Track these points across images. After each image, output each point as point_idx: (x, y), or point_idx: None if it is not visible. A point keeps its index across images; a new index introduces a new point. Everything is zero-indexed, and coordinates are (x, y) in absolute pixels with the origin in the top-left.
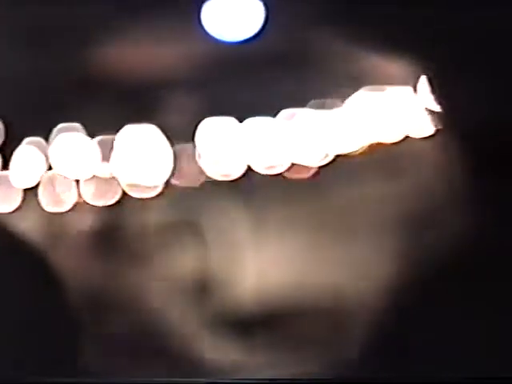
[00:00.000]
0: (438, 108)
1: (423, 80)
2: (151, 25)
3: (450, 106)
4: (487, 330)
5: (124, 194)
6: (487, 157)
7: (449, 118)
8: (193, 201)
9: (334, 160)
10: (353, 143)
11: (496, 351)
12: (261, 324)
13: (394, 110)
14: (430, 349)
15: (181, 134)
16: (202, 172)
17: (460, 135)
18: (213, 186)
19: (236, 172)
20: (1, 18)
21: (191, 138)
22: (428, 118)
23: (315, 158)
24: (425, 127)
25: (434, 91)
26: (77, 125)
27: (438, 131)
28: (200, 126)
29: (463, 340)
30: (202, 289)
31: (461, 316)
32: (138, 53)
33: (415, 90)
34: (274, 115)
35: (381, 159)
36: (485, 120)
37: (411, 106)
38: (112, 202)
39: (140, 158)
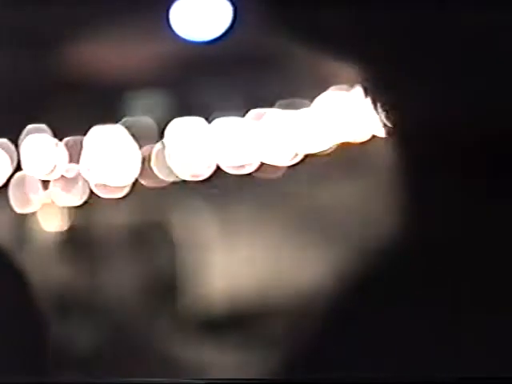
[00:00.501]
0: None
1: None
2: (119, 25)
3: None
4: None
5: (92, 194)
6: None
7: (397, 118)
8: (161, 201)
9: (302, 160)
10: (321, 143)
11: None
12: (230, 324)
13: (361, 110)
14: (405, 348)
15: (149, 135)
16: (171, 172)
17: (409, 136)
18: (182, 186)
19: (205, 172)
20: None
21: (160, 138)
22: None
23: (284, 157)
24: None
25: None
26: (44, 126)
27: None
28: (169, 127)
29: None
30: (171, 289)
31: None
32: (107, 54)
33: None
34: (243, 115)
35: (348, 159)
36: (431, 121)
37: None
38: (80, 202)
39: (108, 158)
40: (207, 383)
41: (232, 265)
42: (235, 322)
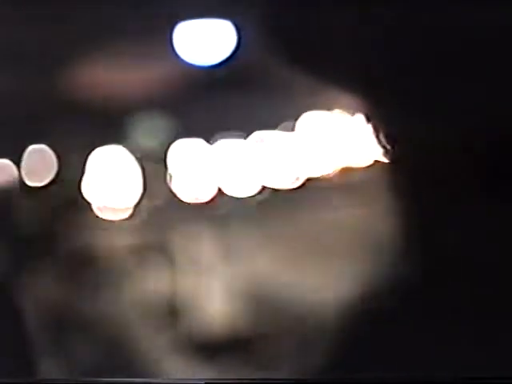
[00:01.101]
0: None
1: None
2: (123, 47)
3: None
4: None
5: (94, 216)
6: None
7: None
8: (162, 223)
9: (304, 183)
10: (323, 167)
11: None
12: (230, 347)
13: (363, 135)
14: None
15: (152, 157)
16: (172, 194)
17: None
18: (183, 209)
19: (207, 195)
20: None
21: (162, 160)
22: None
23: (286, 181)
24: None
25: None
26: (46, 147)
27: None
28: (171, 149)
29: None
30: (172, 311)
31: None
32: (110, 75)
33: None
34: (245, 138)
35: (349, 183)
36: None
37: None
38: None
39: (110, 180)
40: (207, 383)
41: (232, 287)
42: (235, 345)
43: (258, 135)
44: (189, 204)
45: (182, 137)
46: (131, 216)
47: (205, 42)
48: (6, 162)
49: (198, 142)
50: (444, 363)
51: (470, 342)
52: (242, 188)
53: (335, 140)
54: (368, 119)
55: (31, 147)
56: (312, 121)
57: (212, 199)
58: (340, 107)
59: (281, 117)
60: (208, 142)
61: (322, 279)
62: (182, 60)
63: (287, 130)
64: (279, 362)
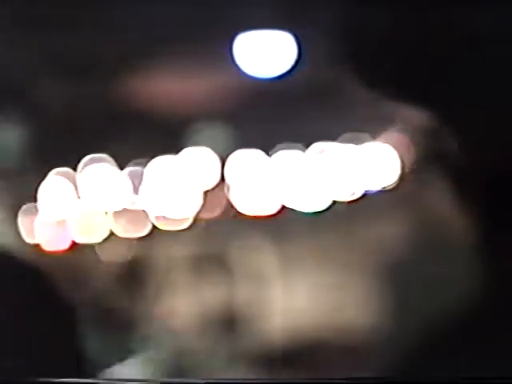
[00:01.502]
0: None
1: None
2: (183, 58)
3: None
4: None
5: (154, 226)
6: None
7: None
8: (222, 235)
9: (362, 197)
10: (383, 179)
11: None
12: (288, 360)
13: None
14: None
15: (211, 167)
16: (231, 206)
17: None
18: (241, 221)
19: (267, 208)
20: (31, 45)
21: (221, 171)
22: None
23: (346, 194)
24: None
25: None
26: (106, 156)
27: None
28: (230, 160)
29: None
30: (230, 324)
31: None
32: (170, 85)
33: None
34: (306, 150)
35: (407, 194)
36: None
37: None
38: (142, 234)
39: (170, 190)
40: (207, 383)
41: (290, 300)
42: (292, 357)
43: (318, 146)
44: (247, 216)
45: (241, 147)
46: (190, 227)
47: (265, 53)
48: (68, 170)
49: (257, 153)
50: (444, 363)
51: (471, 342)
52: (304, 201)
53: (393, 153)
54: (426, 133)
55: (90, 156)
56: (372, 132)
57: (273, 212)
58: (398, 120)
59: (341, 128)
60: (267, 153)
61: (380, 294)
62: (243, 71)
63: (347, 142)
64: (335, 372)
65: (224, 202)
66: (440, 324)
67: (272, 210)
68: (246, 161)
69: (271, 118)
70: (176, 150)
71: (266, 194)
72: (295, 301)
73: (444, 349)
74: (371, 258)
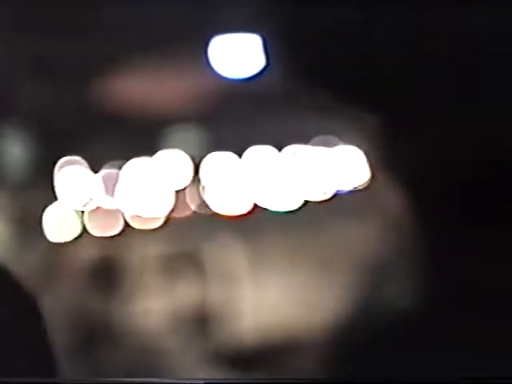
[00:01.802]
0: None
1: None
2: (157, 60)
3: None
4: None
5: (126, 225)
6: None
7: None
8: (194, 234)
9: (333, 196)
10: (354, 180)
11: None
12: (259, 357)
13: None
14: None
15: (184, 169)
16: (204, 205)
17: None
18: (214, 220)
19: (239, 207)
20: (12, 46)
21: (195, 172)
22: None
23: (316, 194)
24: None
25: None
26: (79, 158)
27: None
28: (204, 161)
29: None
30: (201, 322)
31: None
32: (144, 87)
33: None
34: (277, 151)
35: (374, 196)
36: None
37: None
38: (114, 233)
39: (143, 191)
40: (207, 383)
41: (261, 298)
42: (264, 355)
43: (291, 148)
44: (220, 216)
45: (214, 149)
46: (162, 226)
47: (238, 55)
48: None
49: (229, 155)
50: (444, 363)
51: (471, 342)
52: (276, 201)
53: (361, 154)
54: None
55: (65, 159)
56: (340, 136)
57: (244, 212)
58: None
59: (312, 130)
60: (239, 154)
61: (349, 291)
62: (215, 72)
63: (318, 144)
64: (306, 371)
65: (197, 201)
66: (419, 323)
67: (244, 209)
68: (220, 162)
69: (243, 119)
70: (150, 151)
71: (238, 193)
72: (266, 300)
73: (442, 349)
74: (342, 257)
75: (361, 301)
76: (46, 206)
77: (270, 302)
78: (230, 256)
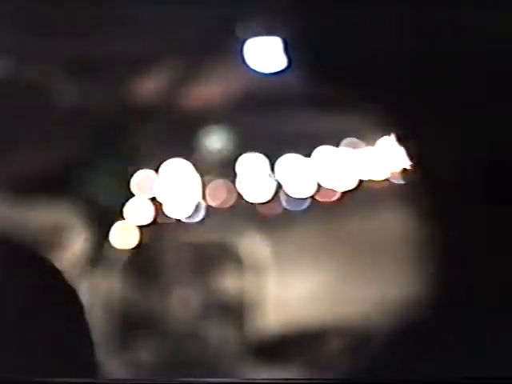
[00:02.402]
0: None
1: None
2: (192, 61)
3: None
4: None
5: (163, 214)
6: None
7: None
8: (227, 224)
9: (358, 186)
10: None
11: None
12: (284, 346)
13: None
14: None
15: (219, 168)
16: (237, 196)
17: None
18: (246, 211)
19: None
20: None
21: (231, 170)
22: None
23: (342, 185)
24: None
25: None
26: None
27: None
28: (238, 161)
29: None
30: (231, 310)
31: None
32: (179, 89)
33: None
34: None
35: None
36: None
37: None
38: (148, 222)
39: (179, 187)
40: (208, 383)
41: (288, 288)
42: (289, 344)
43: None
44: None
45: (248, 149)
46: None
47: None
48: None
49: (261, 156)
50: (444, 363)
51: (471, 342)
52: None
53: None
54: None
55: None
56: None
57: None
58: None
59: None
60: (268, 155)
61: (376, 281)
62: (252, 70)
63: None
64: (330, 363)
65: (230, 193)
66: (419, 323)
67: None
68: (252, 162)
69: (276, 120)
70: (185, 151)
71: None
72: (293, 288)
73: (443, 349)
74: (366, 248)
75: (387, 293)
76: None
77: (296, 290)
78: (259, 245)
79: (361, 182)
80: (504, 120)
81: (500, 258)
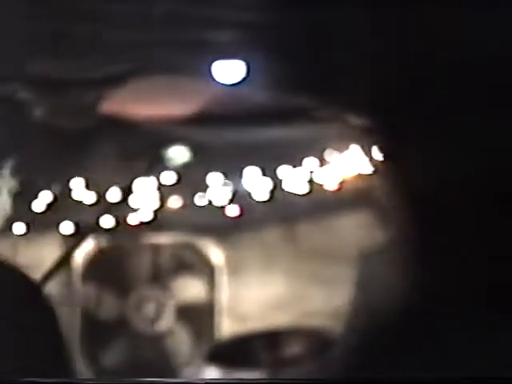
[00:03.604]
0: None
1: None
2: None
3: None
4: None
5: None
6: None
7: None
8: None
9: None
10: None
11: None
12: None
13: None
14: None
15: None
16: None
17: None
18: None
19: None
20: None
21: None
22: None
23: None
24: None
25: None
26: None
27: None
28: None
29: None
30: (206, 311)
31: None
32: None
33: None
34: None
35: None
36: None
37: None
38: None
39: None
40: (207, 383)
41: (244, 291)
42: (245, 346)
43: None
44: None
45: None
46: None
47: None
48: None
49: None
50: (444, 363)
51: (471, 342)
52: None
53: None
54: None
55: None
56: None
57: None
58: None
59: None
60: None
61: (329, 287)
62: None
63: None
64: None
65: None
66: (419, 323)
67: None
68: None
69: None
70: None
71: None
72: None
73: (442, 348)
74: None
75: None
76: None
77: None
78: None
79: (318, 187)
80: (480, 127)
81: (498, 258)
